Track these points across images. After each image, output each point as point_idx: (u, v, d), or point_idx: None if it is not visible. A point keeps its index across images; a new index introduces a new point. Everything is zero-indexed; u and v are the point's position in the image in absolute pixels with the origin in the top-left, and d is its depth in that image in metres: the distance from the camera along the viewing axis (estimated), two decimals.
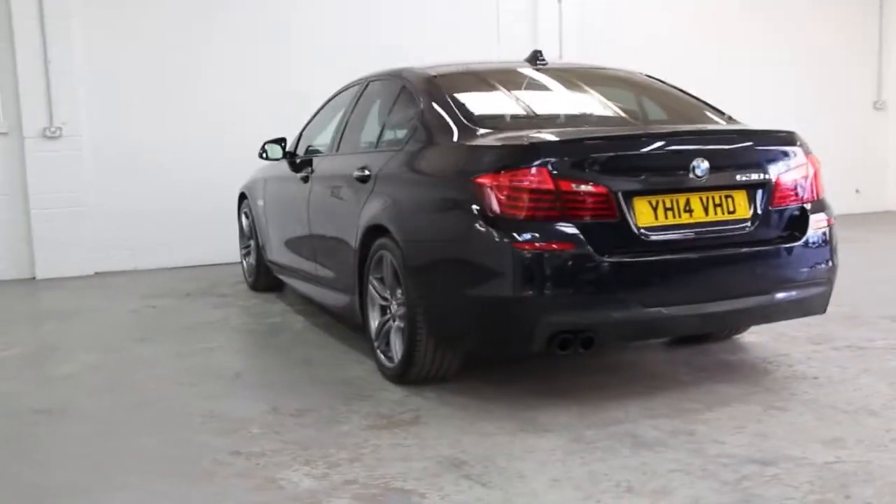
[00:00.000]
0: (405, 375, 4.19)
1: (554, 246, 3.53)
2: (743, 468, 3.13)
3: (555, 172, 3.56)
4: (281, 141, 6.05)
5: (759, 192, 3.86)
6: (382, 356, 4.39)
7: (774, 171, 3.90)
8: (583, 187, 3.57)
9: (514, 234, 3.55)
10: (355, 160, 4.81)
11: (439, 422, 3.74)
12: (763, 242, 3.85)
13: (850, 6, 11.17)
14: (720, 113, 4.55)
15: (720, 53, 10.28)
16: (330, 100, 5.94)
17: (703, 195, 3.77)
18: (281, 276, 6.42)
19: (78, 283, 7.75)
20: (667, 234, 3.69)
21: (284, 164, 6.06)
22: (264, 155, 6.04)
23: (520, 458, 3.30)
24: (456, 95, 4.35)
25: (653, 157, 3.74)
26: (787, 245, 3.87)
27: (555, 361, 4.55)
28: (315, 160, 5.55)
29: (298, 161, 5.80)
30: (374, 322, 4.48)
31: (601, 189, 3.59)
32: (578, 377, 4.31)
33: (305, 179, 5.49)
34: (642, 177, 3.68)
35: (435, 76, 4.60)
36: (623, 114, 4.46)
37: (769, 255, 3.84)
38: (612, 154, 3.69)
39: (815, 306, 4.03)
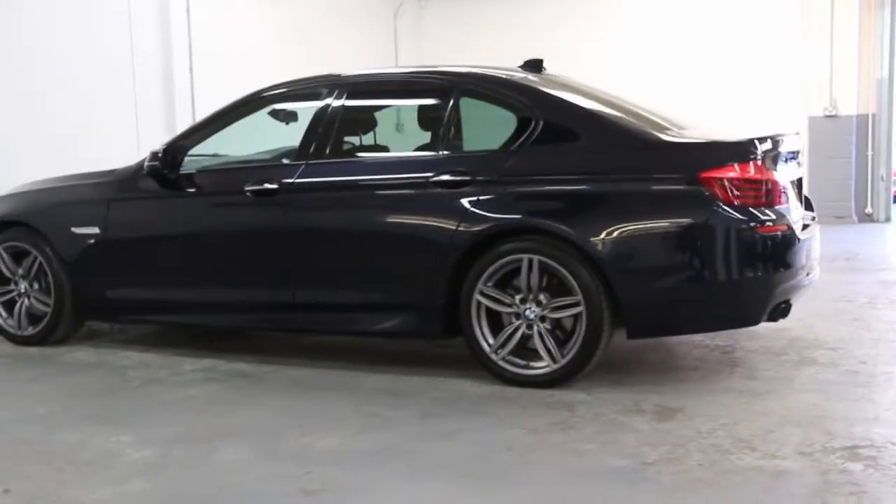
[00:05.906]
0: (569, 377, 4.24)
1: (783, 227, 4.13)
2: None
3: (763, 165, 4.13)
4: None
5: (800, 184, 4.88)
6: (508, 365, 4.31)
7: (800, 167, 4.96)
8: (775, 177, 4.22)
9: (754, 219, 4.06)
10: (421, 163, 4.60)
11: (687, 404, 3.97)
12: (810, 226, 4.87)
13: None
14: None
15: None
16: (230, 110, 5.15)
17: (792, 185, 4.66)
18: (142, 317, 5.32)
19: None
20: (793, 217, 4.48)
21: (151, 181, 5.08)
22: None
23: (821, 414, 3.81)
24: (569, 97, 4.51)
25: (787, 154, 4.51)
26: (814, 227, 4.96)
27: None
28: (269, 171, 4.89)
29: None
30: (486, 335, 4.35)
31: (780, 179, 4.26)
32: (648, 356, 4.80)
33: (269, 193, 4.73)
34: (782, 170, 4.42)
35: (538, 78, 4.64)
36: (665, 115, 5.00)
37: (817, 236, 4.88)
38: (781, 150, 4.39)
39: None
